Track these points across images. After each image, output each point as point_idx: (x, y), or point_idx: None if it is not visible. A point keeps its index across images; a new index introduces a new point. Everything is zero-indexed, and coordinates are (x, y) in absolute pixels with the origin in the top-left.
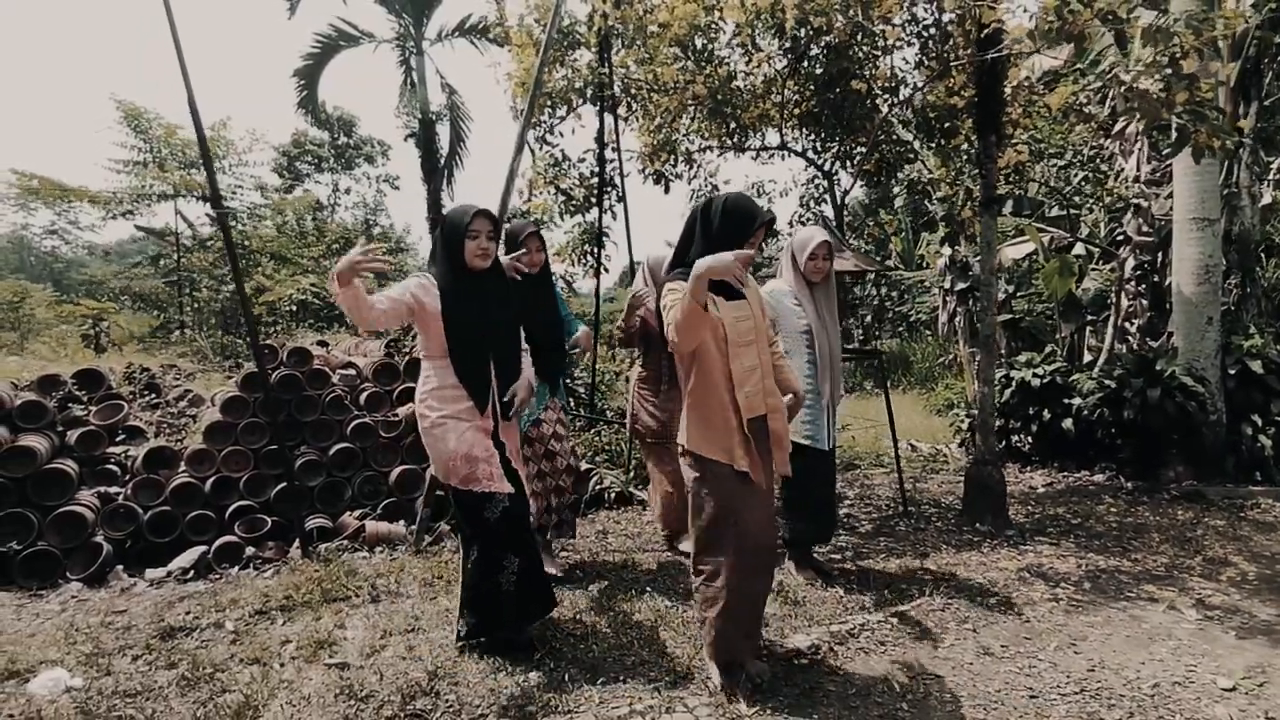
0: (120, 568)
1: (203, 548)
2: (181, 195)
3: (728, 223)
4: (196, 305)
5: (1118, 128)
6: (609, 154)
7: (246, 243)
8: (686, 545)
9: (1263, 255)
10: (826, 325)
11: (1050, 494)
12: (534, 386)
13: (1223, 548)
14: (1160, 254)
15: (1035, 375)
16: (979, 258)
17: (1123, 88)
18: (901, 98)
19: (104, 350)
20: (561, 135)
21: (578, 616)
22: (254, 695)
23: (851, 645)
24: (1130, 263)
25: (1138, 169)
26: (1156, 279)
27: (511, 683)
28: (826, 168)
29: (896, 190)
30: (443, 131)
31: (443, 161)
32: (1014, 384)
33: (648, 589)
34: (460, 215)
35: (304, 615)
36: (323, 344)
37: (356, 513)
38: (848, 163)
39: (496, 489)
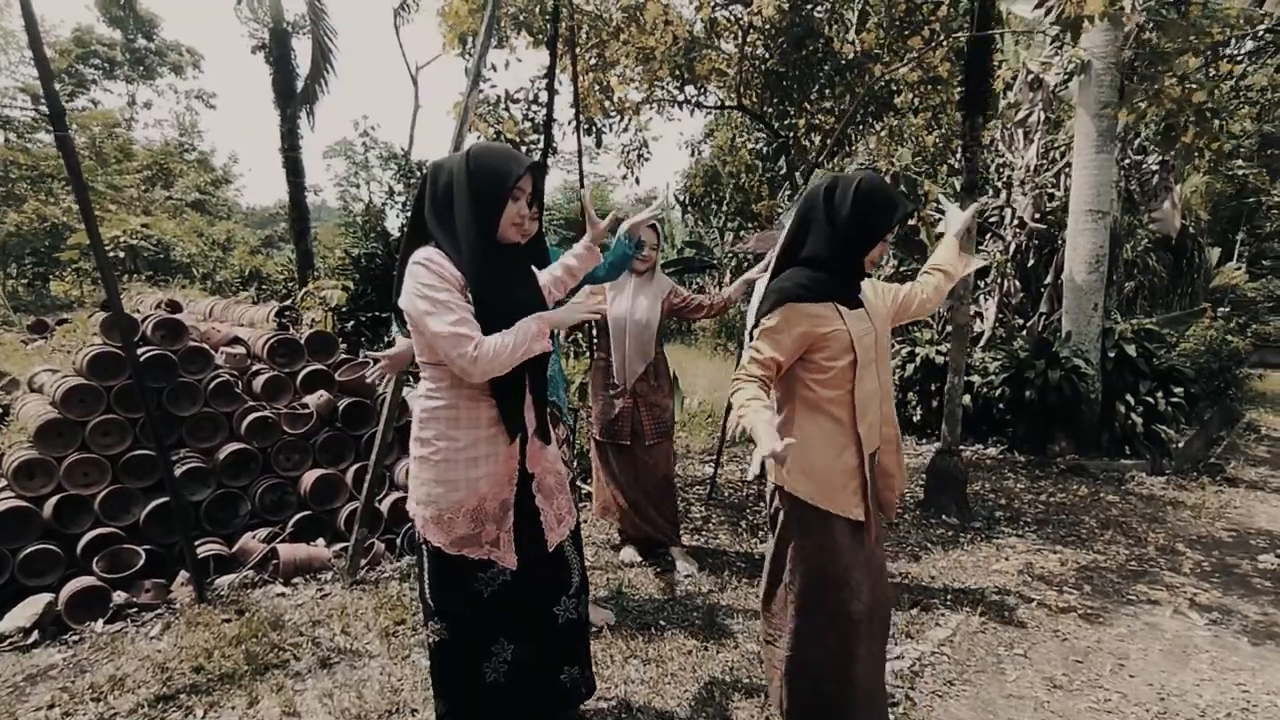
0: None
1: (47, 596)
2: None
3: (862, 212)
4: None
5: (1019, 116)
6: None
7: (18, 161)
8: (628, 553)
9: (1129, 247)
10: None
11: None
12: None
13: (1155, 532)
14: (1031, 239)
15: (938, 352)
16: None
17: (1029, 76)
18: (892, 65)
19: None
20: (495, 69)
21: (599, 670)
22: None
23: (921, 687)
24: (1014, 246)
25: (1037, 158)
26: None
27: None
28: (784, 135)
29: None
30: (300, 48)
31: (301, 83)
32: (918, 360)
33: (661, 622)
34: (503, 163)
35: (231, 698)
36: (174, 305)
37: (261, 533)
38: (812, 133)
39: (499, 558)
